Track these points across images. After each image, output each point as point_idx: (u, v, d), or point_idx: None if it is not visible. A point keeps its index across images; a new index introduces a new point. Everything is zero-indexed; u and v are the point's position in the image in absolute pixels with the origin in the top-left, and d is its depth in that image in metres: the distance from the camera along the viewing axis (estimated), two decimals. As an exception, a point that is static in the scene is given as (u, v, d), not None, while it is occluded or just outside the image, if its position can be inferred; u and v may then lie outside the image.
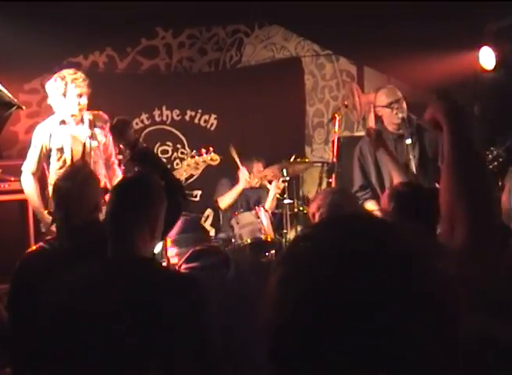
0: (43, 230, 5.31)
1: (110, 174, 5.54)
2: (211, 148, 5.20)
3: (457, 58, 6.52)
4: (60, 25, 6.67)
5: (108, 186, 5.34)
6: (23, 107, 5.36)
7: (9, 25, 6.25)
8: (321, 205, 3.82)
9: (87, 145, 5.27)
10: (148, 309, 2.34)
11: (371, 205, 5.22)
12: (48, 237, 3.46)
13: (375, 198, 5.28)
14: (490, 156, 4.86)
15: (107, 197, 5.00)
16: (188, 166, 5.12)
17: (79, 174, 3.44)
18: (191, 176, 5.48)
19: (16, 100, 5.05)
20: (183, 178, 5.20)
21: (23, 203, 6.40)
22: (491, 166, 4.80)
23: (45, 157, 5.34)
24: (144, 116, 8.25)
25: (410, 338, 0.91)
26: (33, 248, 3.46)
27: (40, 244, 3.38)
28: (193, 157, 5.16)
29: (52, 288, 2.53)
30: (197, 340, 2.42)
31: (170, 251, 3.83)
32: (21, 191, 6.30)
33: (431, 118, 1.84)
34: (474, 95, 7.00)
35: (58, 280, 2.54)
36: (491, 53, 6.36)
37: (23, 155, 7.06)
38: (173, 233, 3.59)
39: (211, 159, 5.21)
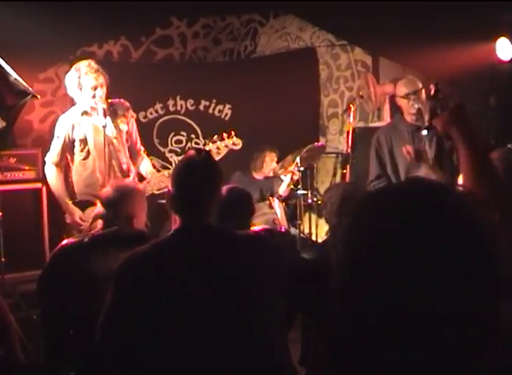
0: (68, 220, 5.30)
1: (135, 161, 5.49)
2: (232, 132, 5.19)
3: (473, 49, 6.46)
4: (74, 14, 6.67)
5: (133, 170, 5.37)
6: (38, 96, 5.35)
7: (24, 15, 6.26)
8: (333, 195, 3.82)
9: (104, 134, 5.26)
10: (240, 269, 2.60)
11: None
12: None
13: None
14: None
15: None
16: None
17: (123, 187, 3.72)
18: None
19: (30, 89, 5.05)
20: None
21: (37, 192, 6.43)
22: None
23: (68, 148, 5.31)
24: (158, 106, 8.25)
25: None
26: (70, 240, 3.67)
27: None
28: (214, 142, 5.15)
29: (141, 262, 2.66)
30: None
31: None
32: (35, 180, 6.34)
33: (442, 130, 2.18)
34: (491, 86, 6.95)
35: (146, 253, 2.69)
36: (508, 44, 6.31)
37: (37, 144, 7.12)
38: None
39: (233, 144, 5.20)
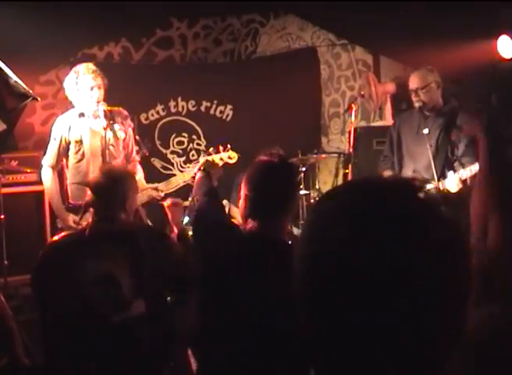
0: (59, 225, 5.28)
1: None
2: (228, 146, 5.13)
3: (475, 47, 6.45)
4: (75, 16, 6.67)
5: None
6: (39, 98, 5.34)
7: (25, 17, 6.26)
8: None
9: (104, 136, 5.23)
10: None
11: (385, 174, 5.41)
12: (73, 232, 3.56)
13: (391, 169, 5.56)
14: None
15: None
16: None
17: (115, 172, 3.63)
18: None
19: (31, 91, 5.04)
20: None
21: (39, 195, 6.43)
22: None
23: (64, 150, 5.31)
24: (159, 107, 8.24)
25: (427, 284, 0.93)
26: (59, 236, 3.63)
27: (67, 233, 3.59)
28: (209, 154, 5.10)
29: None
30: None
31: None
32: (37, 183, 6.33)
33: (469, 133, 1.96)
34: (492, 84, 6.93)
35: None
36: (509, 42, 6.29)
37: (38, 146, 7.11)
38: None
39: (229, 157, 5.12)
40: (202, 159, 5.04)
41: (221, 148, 5.08)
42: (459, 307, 0.96)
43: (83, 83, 5.13)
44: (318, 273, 0.98)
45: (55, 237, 3.56)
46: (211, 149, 5.08)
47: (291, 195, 2.70)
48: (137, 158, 5.62)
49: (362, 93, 7.32)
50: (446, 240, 0.96)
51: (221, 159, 5.04)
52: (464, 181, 4.97)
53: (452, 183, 4.98)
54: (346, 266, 0.94)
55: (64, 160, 5.35)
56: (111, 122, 5.23)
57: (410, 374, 0.94)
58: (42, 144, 6.95)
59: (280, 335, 2.53)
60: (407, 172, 5.34)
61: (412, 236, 0.94)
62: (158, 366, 3.16)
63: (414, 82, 5.37)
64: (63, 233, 3.62)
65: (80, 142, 5.26)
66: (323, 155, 7.79)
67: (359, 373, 0.95)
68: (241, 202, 2.94)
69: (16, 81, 4.90)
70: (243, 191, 2.83)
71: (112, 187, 3.43)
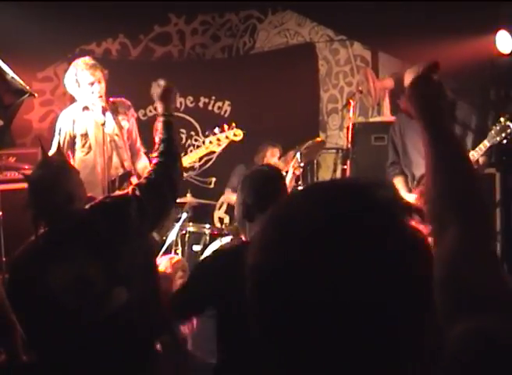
0: None
1: (134, 159, 5.45)
2: (233, 124, 5.14)
3: (473, 43, 6.44)
4: (73, 13, 6.66)
5: (133, 171, 5.31)
6: (36, 94, 5.33)
7: (22, 13, 6.24)
8: None
9: (103, 131, 5.21)
10: None
11: (397, 181, 5.35)
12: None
13: (402, 174, 5.46)
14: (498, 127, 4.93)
15: (132, 178, 5.02)
16: (210, 144, 5.07)
17: (51, 163, 3.20)
18: (212, 152, 5.41)
19: (28, 87, 5.03)
20: (200, 156, 5.23)
21: (37, 191, 6.41)
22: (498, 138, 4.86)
23: (69, 144, 5.28)
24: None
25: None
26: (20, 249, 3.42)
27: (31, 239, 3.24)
28: (215, 134, 5.10)
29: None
30: None
31: None
32: (35, 179, 6.31)
33: (405, 109, 1.80)
34: (491, 80, 6.93)
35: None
36: (507, 37, 6.28)
37: (36, 143, 7.10)
38: None
39: (234, 135, 5.14)
40: (207, 139, 5.05)
41: (226, 126, 5.10)
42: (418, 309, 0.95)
43: (82, 79, 5.11)
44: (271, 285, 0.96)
45: (18, 250, 3.36)
46: (216, 129, 5.09)
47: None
48: (142, 148, 5.59)
49: (360, 89, 7.31)
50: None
51: (226, 138, 5.06)
52: (476, 161, 4.95)
53: None
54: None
55: (70, 154, 5.32)
56: (114, 113, 5.23)
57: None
58: (42, 141, 6.94)
59: None
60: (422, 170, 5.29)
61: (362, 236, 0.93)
62: (147, 351, 3.10)
63: (408, 80, 5.35)
64: (24, 245, 3.38)
65: (85, 135, 5.25)
66: (321, 151, 7.77)
67: None
68: (238, 208, 3.10)
69: (12, 77, 4.89)
70: (239, 198, 3.06)
71: (55, 181, 3.01)
